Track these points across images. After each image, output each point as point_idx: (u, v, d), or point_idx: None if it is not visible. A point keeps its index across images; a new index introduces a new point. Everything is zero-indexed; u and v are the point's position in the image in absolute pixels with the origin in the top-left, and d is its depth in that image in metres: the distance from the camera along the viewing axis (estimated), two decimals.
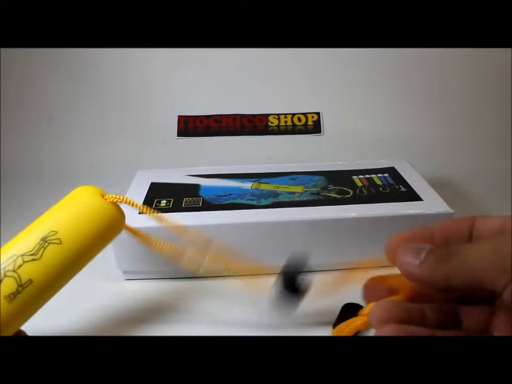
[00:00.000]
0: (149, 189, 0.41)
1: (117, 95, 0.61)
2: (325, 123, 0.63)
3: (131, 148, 0.59)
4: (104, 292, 0.36)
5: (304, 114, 0.64)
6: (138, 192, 0.41)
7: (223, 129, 0.64)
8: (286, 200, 0.38)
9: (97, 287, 0.37)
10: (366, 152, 0.58)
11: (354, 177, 0.42)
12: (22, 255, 0.25)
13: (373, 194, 0.39)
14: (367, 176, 0.42)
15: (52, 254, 0.25)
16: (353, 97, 0.63)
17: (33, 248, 0.25)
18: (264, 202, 0.38)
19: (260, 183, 0.41)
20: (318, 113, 0.63)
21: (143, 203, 0.39)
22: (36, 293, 0.25)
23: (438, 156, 0.57)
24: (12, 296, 0.24)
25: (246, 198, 0.39)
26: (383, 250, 0.39)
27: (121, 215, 0.28)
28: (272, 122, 0.64)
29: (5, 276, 0.24)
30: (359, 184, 0.41)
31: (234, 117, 0.63)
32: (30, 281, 0.25)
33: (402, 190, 0.39)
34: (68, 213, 0.27)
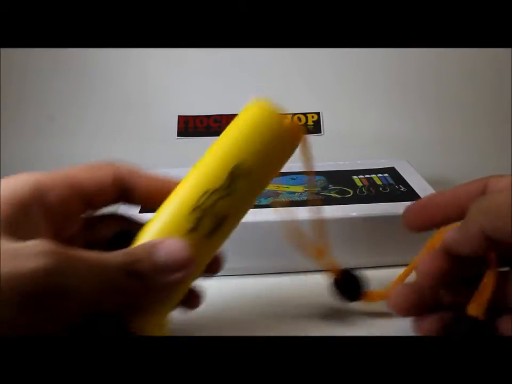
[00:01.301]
0: None
1: (117, 95, 0.61)
2: (325, 123, 0.63)
3: (131, 147, 0.59)
4: None
5: (304, 114, 0.64)
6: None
7: (223, 129, 0.63)
8: (286, 199, 0.38)
9: None
10: (366, 152, 0.58)
11: (355, 177, 0.42)
12: (216, 191, 0.24)
13: (373, 194, 0.39)
14: (367, 176, 0.42)
15: (243, 186, 0.25)
16: (353, 97, 0.63)
17: (224, 183, 0.24)
18: (264, 201, 0.38)
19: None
20: (318, 113, 0.63)
21: None
22: (229, 228, 0.25)
23: (438, 156, 0.57)
24: (210, 234, 0.24)
25: None
26: (382, 250, 0.39)
27: (300, 134, 0.27)
28: None
29: (204, 215, 0.24)
30: (359, 184, 0.41)
31: (234, 117, 0.63)
32: (225, 217, 0.24)
33: (402, 190, 0.39)
34: (250, 139, 0.25)
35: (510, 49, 0.56)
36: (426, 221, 0.28)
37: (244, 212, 0.26)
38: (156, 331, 0.24)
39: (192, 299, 0.27)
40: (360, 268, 0.37)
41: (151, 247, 0.23)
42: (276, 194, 0.39)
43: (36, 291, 0.18)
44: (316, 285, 0.33)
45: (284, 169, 0.45)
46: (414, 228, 0.28)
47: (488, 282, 0.25)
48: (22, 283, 0.18)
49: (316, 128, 0.64)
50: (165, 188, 0.26)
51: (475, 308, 0.25)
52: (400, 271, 0.31)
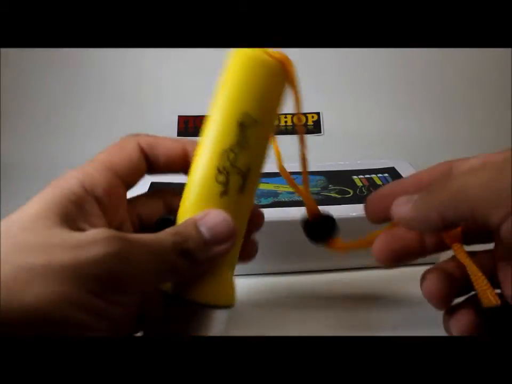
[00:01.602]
0: (148, 189, 0.41)
1: (117, 95, 0.61)
2: (325, 123, 0.63)
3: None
4: None
5: (304, 114, 0.64)
6: (138, 193, 0.41)
7: None
8: (286, 199, 0.38)
9: None
10: (366, 152, 0.58)
11: (355, 177, 0.42)
12: (232, 149, 0.25)
13: None
14: (367, 176, 0.42)
15: (253, 135, 0.25)
16: (353, 97, 0.63)
17: (237, 139, 0.25)
18: (264, 201, 0.38)
19: (260, 182, 0.41)
20: (318, 113, 0.63)
21: None
22: (255, 179, 0.26)
23: (438, 156, 0.57)
24: (241, 190, 0.25)
25: None
26: None
27: (290, 66, 0.27)
28: None
29: (229, 175, 0.25)
30: (359, 184, 0.41)
31: None
32: (248, 169, 0.25)
33: None
34: (247, 87, 0.25)
35: None
36: (387, 211, 0.25)
37: (263, 160, 0.26)
38: (221, 298, 0.26)
39: (246, 251, 0.28)
40: (360, 268, 0.38)
41: (194, 223, 0.23)
42: (276, 194, 0.39)
43: (103, 275, 0.20)
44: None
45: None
46: (375, 219, 0.28)
47: (468, 267, 0.24)
48: (89, 269, 0.19)
49: (316, 128, 0.64)
50: (184, 150, 0.27)
51: (487, 299, 0.23)
52: (400, 271, 0.31)
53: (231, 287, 0.26)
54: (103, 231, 0.21)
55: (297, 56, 0.69)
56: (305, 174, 0.29)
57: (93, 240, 0.20)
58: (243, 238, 0.27)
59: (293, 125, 0.64)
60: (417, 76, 0.62)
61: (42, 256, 0.19)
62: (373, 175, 0.42)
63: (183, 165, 0.27)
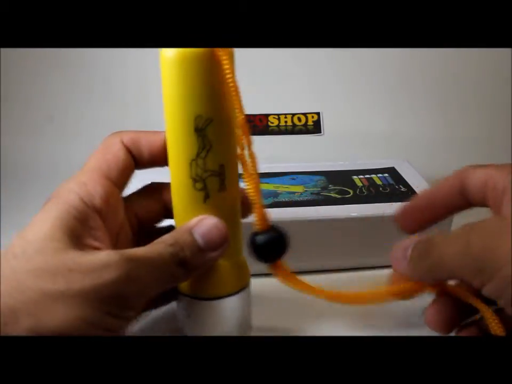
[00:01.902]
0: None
1: (117, 95, 0.61)
2: (325, 123, 0.63)
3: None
4: None
5: (304, 114, 0.63)
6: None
7: None
8: (286, 200, 0.38)
9: None
10: (366, 152, 0.58)
11: (355, 177, 0.42)
12: (198, 156, 0.25)
13: (373, 194, 0.39)
14: (367, 176, 0.42)
15: (214, 133, 0.25)
16: (353, 97, 0.63)
17: (199, 145, 0.25)
18: (264, 202, 0.38)
19: (260, 182, 0.41)
20: (318, 113, 0.63)
21: None
22: (233, 171, 0.26)
23: (438, 155, 0.57)
24: (222, 188, 0.26)
25: None
26: (382, 250, 0.39)
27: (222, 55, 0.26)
28: (272, 122, 0.63)
29: (204, 180, 0.26)
30: (359, 184, 0.41)
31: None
32: (221, 166, 0.26)
33: (402, 190, 0.39)
34: (186, 89, 0.25)
35: None
36: (416, 223, 0.28)
37: (233, 151, 0.26)
38: (217, 288, 0.27)
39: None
40: (359, 268, 0.38)
41: (189, 231, 0.25)
42: (276, 194, 0.39)
43: (116, 296, 0.22)
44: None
45: (283, 169, 0.46)
46: (408, 231, 0.29)
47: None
48: (105, 292, 0.21)
49: (316, 128, 0.64)
50: (164, 142, 0.27)
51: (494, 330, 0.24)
52: None
53: (230, 275, 0.27)
54: (114, 254, 0.22)
55: (298, 56, 0.69)
56: (255, 178, 0.27)
57: (106, 264, 0.22)
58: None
59: (293, 125, 0.64)
60: (417, 75, 0.62)
61: (61, 282, 0.21)
62: (373, 175, 0.42)
63: (165, 157, 0.27)
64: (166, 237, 0.24)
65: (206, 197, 0.26)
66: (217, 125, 0.25)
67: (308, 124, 0.65)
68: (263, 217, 0.27)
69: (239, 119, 0.25)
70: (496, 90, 0.59)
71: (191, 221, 0.25)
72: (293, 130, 0.66)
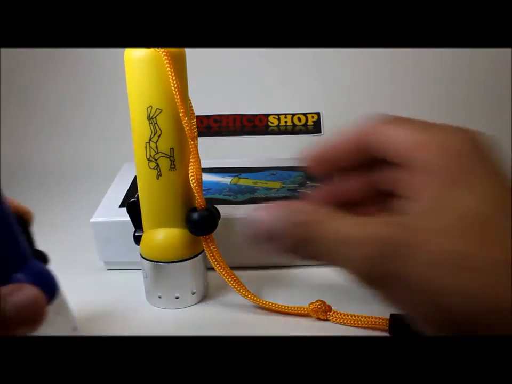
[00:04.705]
0: (132, 182, 0.42)
1: (117, 95, 0.62)
2: (325, 123, 0.63)
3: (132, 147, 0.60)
4: (85, 282, 0.37)
5: (304, 114, 0.63)
6: (122, 185, 0.42)
7: (223, 129, 0.64)
8: (262, 196, 0.39)
9: (78, 278, 0.37)
10: None
11: None
12: (150, 140, 0.30)
13: None
14: None
15: (164, 120, 0.29)
16: (353, 97, 0.63)
17: (151, 130, 0.30)
18: (240, 198, 0.39)
19: (240, 178, 0.42)
20: (318, 113, 0.63)
21: (125, 197, 0.40)
22: (181, 154, 0.30)
23: None
24: (173, 167, 0.30)
25: (223, 193, 0.40)
26: None
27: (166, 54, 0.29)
28: (272, 122, 0.64)
29: (157, 160, 0.30)
30: None
31: (234, 117, 0.64)
32: (171, 149, 0.30)
33: None
34: (142, 84, 0.29)
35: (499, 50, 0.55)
36: (325, 171, 0.24)
37: (182, 137, 0.30)
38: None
39: None
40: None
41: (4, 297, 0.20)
42: (253, 190, 0.40)
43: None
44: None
45: (264, 164, 0.46)
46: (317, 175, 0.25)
47: None
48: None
49: (315, 128, 0.64)
50: None
51: None
52: None
53: (182, 243, 0.32)
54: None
55: (298, 56, 0.69)
56: (196, 163, 0.31)
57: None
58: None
59: (293, 125, 0.64)
60: (418, 75, 0.61)
61: None
62: None
63: None
64: None
65: (159, 175, 0.30)
66: (166, 115, 0.29)
67: (308, 123, 0.65)
68: (201, 197, 0.31)
69: (180, 112, 0.29)
70: (494, 90, 0.58)
71: (3, 289, 0.20)
72: (293, 130, 0.66)
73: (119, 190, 0.41)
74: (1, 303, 0.20)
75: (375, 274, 0.18)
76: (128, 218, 0.34)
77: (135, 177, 0.43)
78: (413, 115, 0.67)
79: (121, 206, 0.38)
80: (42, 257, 0.26)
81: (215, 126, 0.64)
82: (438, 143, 0.20)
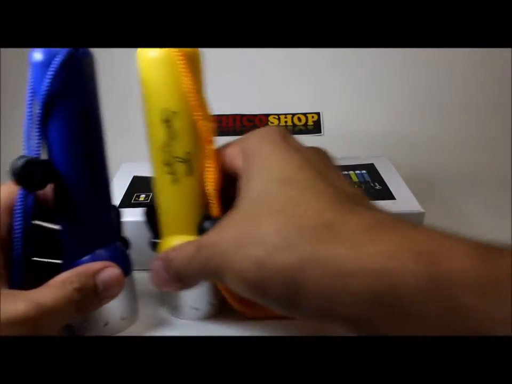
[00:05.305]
0: (130, 182, 0.42)
1: (117, 95, 0.62)
2: (325, 123, 0.63)
3: (133, 147, 0.60)
4: None
5: (304, 114, 0.63)
6: (120, 186, 0.42)
7: (223, 129, 0.64)
8: None
9: None
10: (366, 152, 0.58)
11: None
12: (165, 144, 0.28)
13: None
14: (345, 172, 0.42)
15: (179, 124, 0.28)
16: (353, 97, 0.63)
17: (166, 134, 0.28)
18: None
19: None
20: (318, 113, 0.63)
21: (123, 197, 0.40)
22: (200, 160, 0.29)
23: (438, 155, 0.57)
24: (190, 173, 0.29)
25: None
26: None
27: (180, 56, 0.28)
28: (272, 123, 0.64)
29: (172, 165, 0.28)
30: None
31: (234, 117, 0.64)
32: (187, 154, 0.28)
33: (377, 188, 0.39)
34: (154, 85, 0.28)
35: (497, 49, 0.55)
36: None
37: (199, 142, 0.29)
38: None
39: None
40: None
41: (92, 276, 0.26)
42: None
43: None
44: None
45: None
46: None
47: None
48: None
49: (315, 128, 0.64)
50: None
51: None
52: None
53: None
54: (26, 305, 0.22)
55: (298, 56, 0.69)
56: (213, 170, 0.29)
57: (20, 320, 0.22)
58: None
59: (293, 125, 0.64)
60: (418, 75, 0.61)
61: None
62: (351, 172, 0.42)
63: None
64: (71, 277, 0.25)
65: (175, 180, 0.29)
66: (181, 118, 0.28)
67: (308, 123, 0.65)
68: (216, 205, 0.29)
69: (196, 116, 0.28)
70: (492, 90, 0.58)
71: (95, 265, 0.27)
72: (293, 130, 0.66)
73: (117, 191, 0.41)
74: (94, 279, 0.26)
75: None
76: (127, 219, 0.34)
77: (134, 177, 0.43)
78: (413, 115, 0.67)
79: (119, 206, 0.38)
80: (125, 243, 0.31)
81: (215, 126, 0.65)
82: (242, 148, 0.27)
